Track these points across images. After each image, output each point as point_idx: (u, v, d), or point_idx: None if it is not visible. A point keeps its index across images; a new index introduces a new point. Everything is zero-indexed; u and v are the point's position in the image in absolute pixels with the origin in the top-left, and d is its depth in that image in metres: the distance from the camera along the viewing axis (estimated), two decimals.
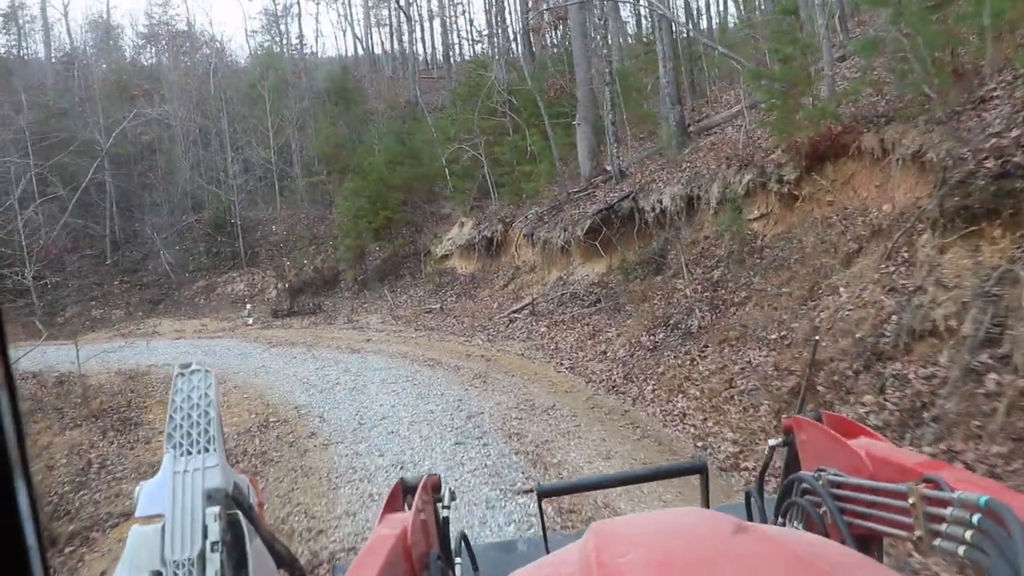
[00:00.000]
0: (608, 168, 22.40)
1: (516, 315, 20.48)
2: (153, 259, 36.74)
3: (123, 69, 49.00)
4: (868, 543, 1.61)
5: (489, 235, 26.04)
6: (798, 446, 2.13)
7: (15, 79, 41.60)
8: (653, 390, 11.51)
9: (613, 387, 12.42)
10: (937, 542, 1.26)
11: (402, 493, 2.08)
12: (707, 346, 11.96)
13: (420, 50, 59.95)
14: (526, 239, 23.42)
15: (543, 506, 2.26)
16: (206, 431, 1.59)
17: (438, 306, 25.24)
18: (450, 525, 2.19)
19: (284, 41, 58.03)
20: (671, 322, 13.84)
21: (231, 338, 24.94)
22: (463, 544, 2.16)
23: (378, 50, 64.61)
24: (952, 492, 1.25)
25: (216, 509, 1.48)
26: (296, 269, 32.80)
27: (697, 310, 13.25)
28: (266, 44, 57.55)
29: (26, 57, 57.59)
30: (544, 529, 2.26)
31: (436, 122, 35.47)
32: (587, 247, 20.00)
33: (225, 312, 31.49)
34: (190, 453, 1.57)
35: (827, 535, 1.65)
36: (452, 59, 56.41)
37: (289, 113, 40.77)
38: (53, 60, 55.29)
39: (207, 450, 1.57)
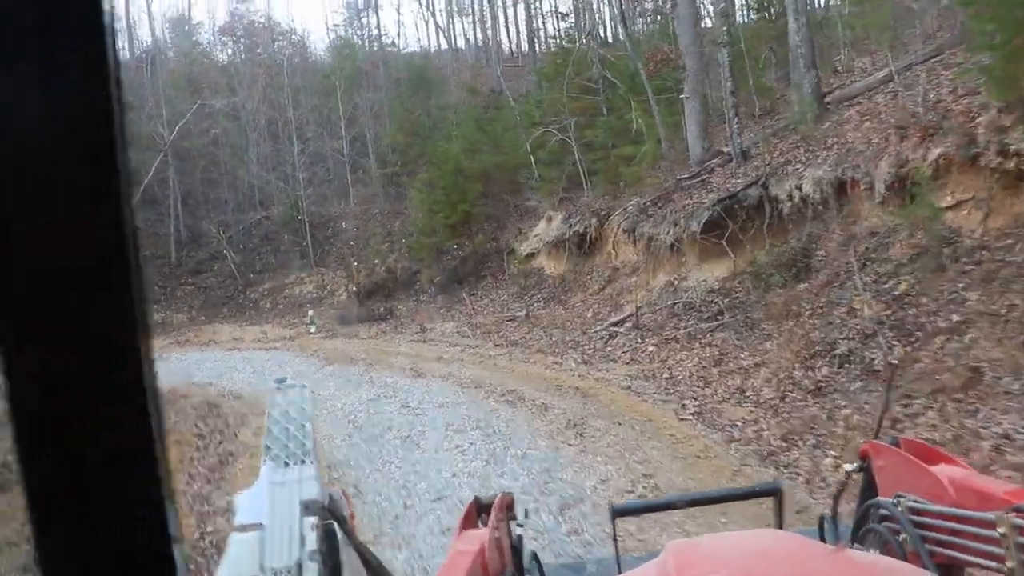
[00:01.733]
0: (725, 149, 18.59)
1: (616, 328, 16.88)
2: (219, 259, 34.26)
3: (193, 62, 46.62)
4: (949, 573, 1.54)
5: (581, 231, 22.50)
6: (875, 472, 2.09)
7: None
8: (835, 464, 7.74)
9: (768, 453, 8.65)
10: None
11: (477, 511, 2.12)
12: (912, 396, 8.16)
13: (504, 39, 56.90)
14: (626, 235, 19.77)
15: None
16: (303, 444, 1.68)
17: (523, 313, 21.79)
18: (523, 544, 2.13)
19: (365, 34, 55.49)
20: (837, 352, 10.11)
21: (288, 350, 21.99)
22: (535, 563, 2.14)
23: (460, 41, 61.62)
24: None
25: (313, 519, 1.52)
26: (367, 270, 29.77)
27: (880, 337, 9.44)
28: (345, 35, 55.14)
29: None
30: (617, 549, 2.20)
31: (520, 107, 32.06)
32: (704, 245, 16.29)
33: (291, 317, 28.68)
34: (288, 465, 1.65)
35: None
36: (537, 46, 52.80)
37: (364, 103, 37.83)
38: (130, 57, 53.82)
39: (303, 462, 1.65)
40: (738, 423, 9.73)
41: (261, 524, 1.54)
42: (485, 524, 2.00)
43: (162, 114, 36.12)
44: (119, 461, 0.57)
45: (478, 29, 59.52)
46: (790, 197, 14.62)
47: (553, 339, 17.94)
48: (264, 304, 31.94)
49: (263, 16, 59.84)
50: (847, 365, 9.70)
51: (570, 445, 9.68)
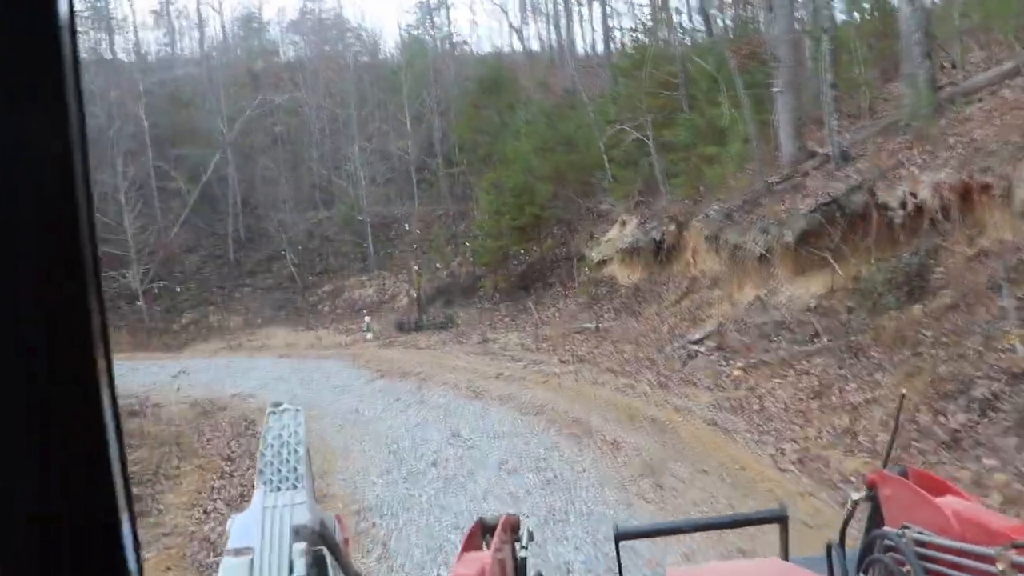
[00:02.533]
0: (820, 150, 16.73)
1: (696, 347, 15.13)
2: (277, 260, 33.21)
3: (258, 58, 45.82)
4: None
5: (657, 237, 20.75)
6: (882, 501, 2.11)
7: (138, 73, 38.93)
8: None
9: None
10: None
11: (481, 532, 2.07)
12: None
13: (579, 40, 55.33)
14: (707, 243, 17.98)
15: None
16: (295, 468, 1.73)
17: (593, 325, 20.16)
18: (528, 566, 2.11)
19: (437, 34, 54.23)
20: (975, 394, 8.27)
21: (341, 359, 20.68)
22: None
23: (535, 43, 60.17)
24: None
25: (303, 545, 1.53)
26: (429, 274, 28.40)
27: None
28: (416, 33, 53.93)
29: (179, 53, 56.16)
30: (620, 573, 2.24)
31: (594, 105, 30.38)
32: (798, 257, 14.47)
33: (348, 322, 27.43)
34: (280, 489, 1.69)
35: None
36: (612, 46, 50.87)
37: (432, 102, 36.49)
38: (197, 55, 53.48)
39: (295, 487, 1.69)
40: (852, 479, 7.93)
41: (251, 548, 1.51)
42: (489, 546, 1.93)
43: (222, 110, 35.25)
44: (70, 471, 0.56)
45: (552, 29, 58.15)
46: (902, 204, 12.72)
47: (625, 356, 16.27)
48: (322, 308, 30.79)
49: (333, 13, 59.19)
50: (992, 412, 7.87)
51: (646, 501, 8.01)
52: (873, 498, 2.19)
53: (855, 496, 2.27)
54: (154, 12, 56.21)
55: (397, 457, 10.45)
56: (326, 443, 11.73)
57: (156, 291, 30.77)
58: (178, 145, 35.28)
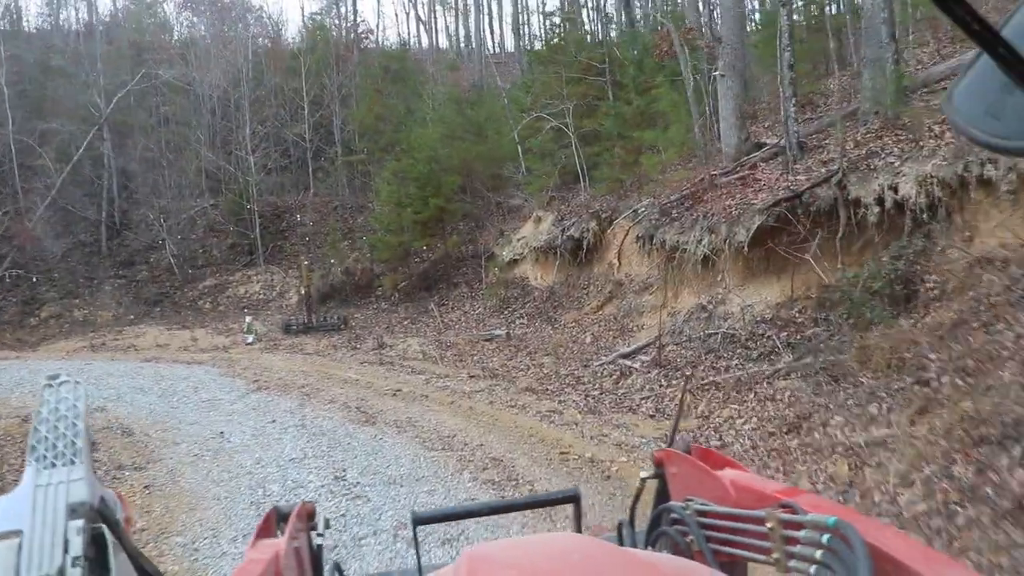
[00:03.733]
0: (769, 140, 14.84)
1: (627, 361, 12.97)
2: (156, 250, 29.93)
3: (142, 29, 41.85)
4: (733, 569, 1.60)
5: (577, 235, 18.68)
6: (668, 478, 2.12)
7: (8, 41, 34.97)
8: None
9: None
10: (792, 563, 1.29)
11: (276, 521, 1.94)
12: None
13: (487, 38, 53.35)
14: (638, 243, 15.88)
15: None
16: (72, 443, 1.49)
17: (503, 332, 17.91)
18: (324, 554, 1.96)
19: (342, 24, 50.97)
20: (1013, 434, 6.26)
21: (216, 364, 17.87)
22: (336, 574, 1.95)
23: (442, 38, 57.66)
24: (806, 515, 1.30)
25: (79, 523, 1.35)
26: (322, 270, 25.66)
27: None
28: (319, 19, 50.54)
29: (61, 26, 51.46)
30: (419, 557, 2.08)
31: (508, 92, 28.14)
32: (750, 261, 12.47)
33: (230, 321, 24.46)
34: (54, 466, 1.45)
35: None
36: (522, 43, 48.53)
37: (333, 87, 33.68)
38: (82, 29, 49.01)
39: (72, 462, 1.46)
40: None
41: (20, 531, 1.33)
42: (284, 533, 1.81)
43: (99, 83, 31.65)
44: None
45: (460, 24, 55.88)
46: (879, 200, 10.79)
47: (545, 371, 14.00)
48: (203, 304, 27.75)
49: None
50: None
51: None
52: (660, 476, 2.11)
53: (643, 475, 2.17)
54: None
55: (259, 509, 7.88)
56: (175, 482, 9.09)
57: (7, 279, 27.23)
58: (47, 119, 31.56)
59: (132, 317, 27.03)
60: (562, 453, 9.15)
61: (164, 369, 17.75)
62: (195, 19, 52.19)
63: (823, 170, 11.96)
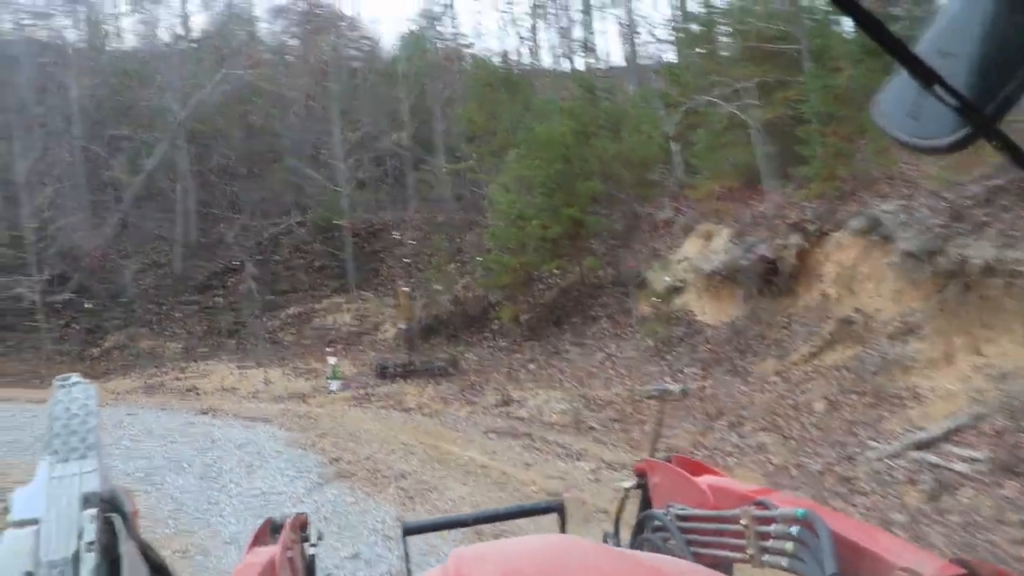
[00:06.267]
0: None
1: (933, 456, 7.88)
2: (234, 273, 25.98)
3: (228, 35, 38.16)
4: (717, 570, 1.49)
5: (768, 255, 13.68)
6: (651, 488, 2.25)
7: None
8: None
9: None
10: (765, 557, 1.39)
11: (270, 531, 2.05)
12: None
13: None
14: (903, 263, 10.77)
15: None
16: (85, 438, 1.61)
17: (677, 387, 12.88)
18: (316, 564, 2.05)
19: (442, 33, 47.26)
20: None
21: (287, 423, 13.56)
22: None
23: (546, 56, 53.17)
24: (776, 510, 1.41)
25: (92, 511, 1.46)
26: (425, 298, 21.14)
27: None
28: (417, 30, 46.99)
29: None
30: (408, 566, 2.22)
31: (647, 86, 23.35)
32: None
33: (314, 359, 20.34)
34: (68, 460, 1.57)
35: None
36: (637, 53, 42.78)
37: (435, 92, 29.52)
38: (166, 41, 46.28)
39: (85, 456, 1.58)
40: None
41: (37, 519, 1.45)
42: (277, 543, 1.89)
43: (176, 84, 27.94)
44: None
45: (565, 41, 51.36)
46: None
47: (773, 460, 9.15)
48: (284, 336, 23.72)
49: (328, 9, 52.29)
50: None
51: None
52: (643, 485, 2.28)
53: (626, 485, 2.35)
54: None
55: None
56: None
57: (71, 304, 23.84)
58: (117, 125, 28.14)
59: (204, 350, 23.31)
60: None
61: (219, 429, 13.49)
62: (284, 27, 49.29)
63: None
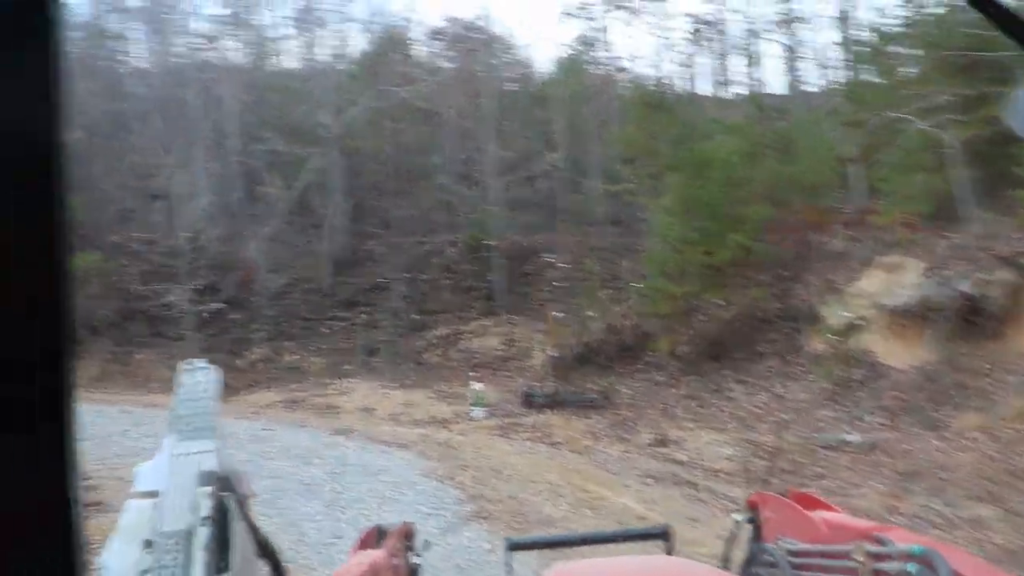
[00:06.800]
0: None
1: None
2: (382, 291, 25.65)
3: (383, 54, 38.46)
4: None
5: (972, 291, 12.06)
6: (762, 521, 2.24)
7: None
8: None
9: None
10: None
11: (376, 538, 2.15)
12: None
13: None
14: None
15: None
16: (207, 419, 1.72)
17: (857, 438, 11.53)
18: (421, 574, 2.09)
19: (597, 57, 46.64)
20: None
21: (426, 452, 12.75)
22: None
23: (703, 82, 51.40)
24: (894, 546, 1.39)
25: (209, 489, 1.54)
26: (577, 325, 20.17)
27: None
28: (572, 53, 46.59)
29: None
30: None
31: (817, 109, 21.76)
32: None
33: (458, 382, 19.73)
34: (190, 439, 1.66)
35: None
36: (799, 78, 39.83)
37: (590, 115, 28.75)
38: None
39: (206, 437, 1.68)
40: None
41: (157, 492, 1.52)
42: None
43: (330, 101, 28.16)
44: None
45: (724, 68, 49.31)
46: None
47: (993, 538, 7.65)
48: (429, 358, 23.21)
49: (482, 20, 52.58)
50: None
51: None
52: (754, 519, 2.25)
53: (737, 518, 2.33)
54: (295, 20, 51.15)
55: None
56: None
57: (207, 315, 24.22)
58: (272, 141, 28.64)
59: (347, 367, 23.02)
60: None
61: (354, 452, 12.87)
62: (440, 48, 49.78)
63: None
